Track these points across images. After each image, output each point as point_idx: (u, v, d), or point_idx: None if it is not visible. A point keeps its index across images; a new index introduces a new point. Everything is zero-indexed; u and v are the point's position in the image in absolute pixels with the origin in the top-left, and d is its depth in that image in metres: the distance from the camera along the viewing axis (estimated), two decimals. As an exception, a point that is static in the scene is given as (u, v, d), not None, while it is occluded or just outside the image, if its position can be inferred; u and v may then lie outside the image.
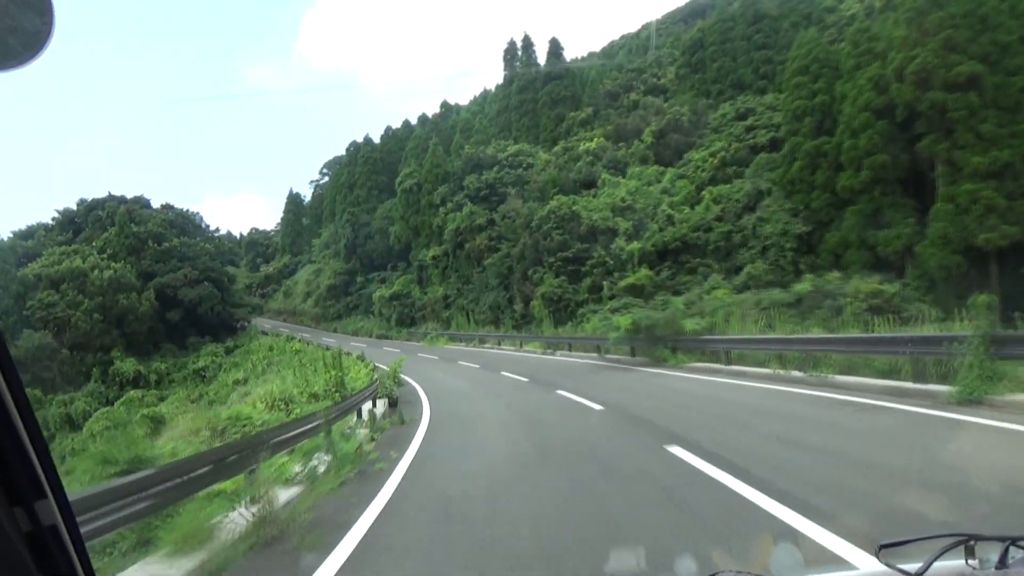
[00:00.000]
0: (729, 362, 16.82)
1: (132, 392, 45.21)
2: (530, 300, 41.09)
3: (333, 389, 17.95)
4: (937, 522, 4.32)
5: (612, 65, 68.01)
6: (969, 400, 8.79)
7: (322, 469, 7.99)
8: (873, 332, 14.78)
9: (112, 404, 43.87)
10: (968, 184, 25.44)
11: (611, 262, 37.20)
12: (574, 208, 40.26)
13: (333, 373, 18.67)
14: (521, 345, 37.34)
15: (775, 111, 39.55)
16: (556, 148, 52.61)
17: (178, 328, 60.29)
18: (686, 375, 17.28)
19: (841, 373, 12.63)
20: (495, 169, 52.89)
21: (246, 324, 67.99)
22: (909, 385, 10.37)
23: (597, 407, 12.46)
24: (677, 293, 29.01)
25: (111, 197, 65.58)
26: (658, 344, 20.76)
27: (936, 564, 1.48)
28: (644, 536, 4.68)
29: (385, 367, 24.34)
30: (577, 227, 39.44)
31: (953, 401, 8.99)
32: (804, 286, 22.64)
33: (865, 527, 4.36)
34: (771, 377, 14.18)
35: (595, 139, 50.68)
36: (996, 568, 1.48)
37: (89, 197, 66.95)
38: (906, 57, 27.52)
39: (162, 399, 47.47)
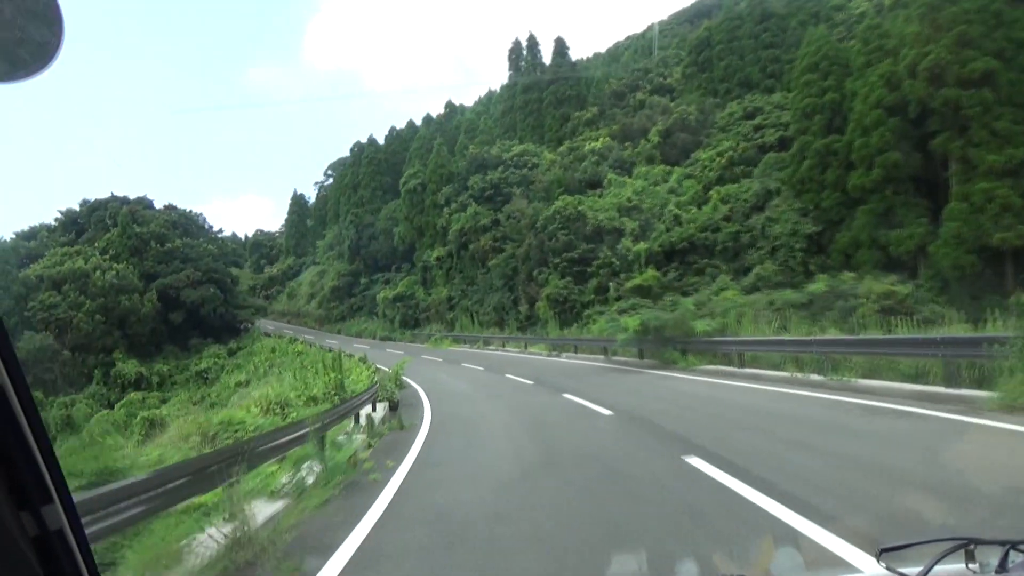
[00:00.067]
0: (742, 365, 16.20)
1: (133, 394, 44.76)
2: (535, 301, 40.58)
3: (332, 392, 17.46)
4: None
5: (617, 71, 67.39)
6: (1012, 406, 8.13)
7: (312, 480, 7.40)
8: (894, 333, 14.16)
9: (113, 406, 43.43)
10: (983, 182, 24.97)
11: (617, 263, 36.67)
12: (580, 208, 39.73)
13: (332, 376, 18.18)
14: (526, 347, 36.82)
15: (783, 110, 39.11)
16: (561, 148, 52.18)
17: (181, 330, 59.83)
18: (698, 378, 16.60)
19: (863, 376, 12.03)
20: (500, 169, 52.41)
21: (249, 326, 67.48)
22: (941, 390, 9.77)
23: (606, 412, 11.87)
24: (685, 294, 28.38)
25: (114, 198, 65.18)
26: (667, 346, 20.15)
27: (936, 568, 1.49)
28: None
29: (387, 369, 23.84)
30: (583, 227, 38.91)
31: (995, 407, 8.33)
32: (818, 286, 22.03)
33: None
34: (788, 380, 13.56)
35: (601, 139, 50.19)
36: (996, 572, 1.47)
37: (92, 198, 66.51)
38: (919, 53, 26.99)
39: (164, 401, 46.96)
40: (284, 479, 7.32)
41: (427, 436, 11.30)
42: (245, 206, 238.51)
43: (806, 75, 33.96)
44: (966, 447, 7.04)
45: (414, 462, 8.85)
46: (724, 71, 48.43)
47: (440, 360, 34.08)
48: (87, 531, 3.87)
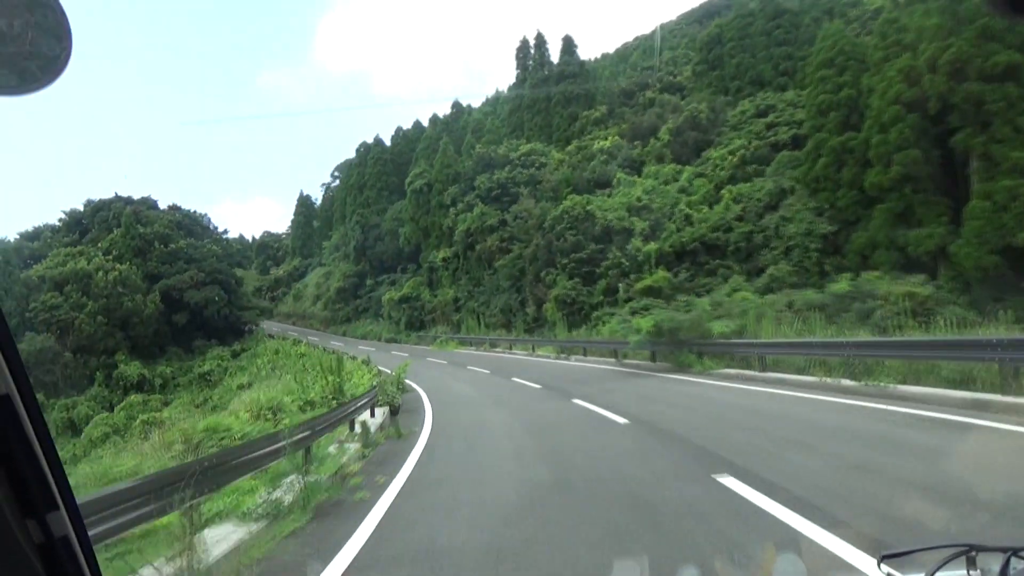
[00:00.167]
0: (764, 369, 15.24)
1: (133, 397, 44.13)
2: (543, 303, 39.82)
3: (330, 396, 16.64)
4: None
5: (626, 71, 66.60)
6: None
7: (290, 499, 6.47)
8: (934, 335, 13.21)
9: (115, 409, 42.84)
10: (1006, 180, 24.05)
11: (627, 263, 35.83)
12: (588, 208, 38.91)
13: (331, 379, 17.36)
14: (533, 349, 36.00)
15: (797, 107, 38.22)
16: (569, 147, 51.37)
17: (184, 331, 59.25)
18: (717, 383, 15.57)
19: (902, 382, 11.04)
20: (507, 169, 51.65)
21: (254, 327, 66.88)
22: (995, 397, 8.76)
23: (621, 420, 10.89)
24: (696, 296, 27.57)
25: (117, 198, 64.65)
26: (682, 348, 19.15)
27: (938, 575, 1.50)
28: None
29: (390, 372, 23.07)
30: (591, 227, 38.08)
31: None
32: (841, 286, 21.14)
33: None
34: (817, 386, 12.54)
35: (610, 137, 49.35)
36: None
37: (97, 199, 65.99)
38: (939, 47, 26.06)
39: (166, 404, 46.46)
40: (261, 497, 6.42)
41: (425, 447, 10.37)
42: (255, 208, 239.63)
43: (821, 71, 33.08)
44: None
45: (408, 479, 7.90)
46: (735, 69, 47.50)
47: (445, 362, 33.29)
48: None
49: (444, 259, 55.15)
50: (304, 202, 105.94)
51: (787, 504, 5.21)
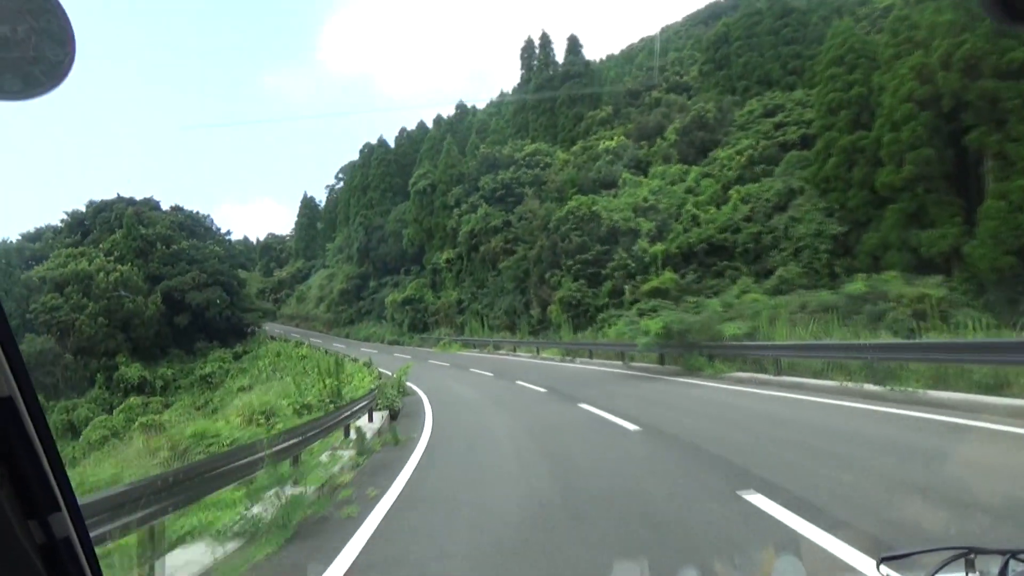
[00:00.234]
0: (780, 372, 14.59)
1: (132, 399, 43.65)
2: (547, 305, 39.25)
3: (328, 400, 16.09)
4: None
5: (632, 71, 66.06)
6: None
7: (272, 515, 5.85)
8: (967, 337, 12.55)
9: (114, 411, 42.39)
10: (1022, 179, 23.41)
11: (633, 265, 35.25)
12: (594, 208, 38.32)
13: (329, 381, 16.80)
14: (538, 352, 35.42)
15: (805, 107, 37.64)
16: (575, 148, 50.84)
17: (186, 333, 58.86)
18: (730, 387, 14.86)
19: (930, 387, 10.37)
20: (511, 169, 51.17)
21: (256, 329, 66.48)
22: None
23: (632, 427, 10.21)
24: (704, 298, 27.04)
25: (119, 199, 64.32)
26: (692, 351, 18.46)
27: None
28: None
29: (391, 374, 22.51)
30: (597, 228, 37.50)
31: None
32: (857, 286, 20.51)
33: None
34: (838, 391, 11.83)
35: (615, 138, 48.79)
36: None
37: (99, 199, 65.64)
38: (952, 43, 25.46)
39: (167, 406, 46.04)
40: (241, 513, 5.83)
41: (423, 456, 9.72)
42: (259, 211, 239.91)
43: (831, 69, 32.52)
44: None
45: (401, 492, 7.25)
46: (743, 68, 46.95)
47: (447, 365, 32.72)
48: None
49: (448, 260, 54.66)
50: (308, 204, 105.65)
51: (830, 530, 4.55)
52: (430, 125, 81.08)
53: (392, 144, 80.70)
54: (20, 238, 65.22)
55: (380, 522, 6.03)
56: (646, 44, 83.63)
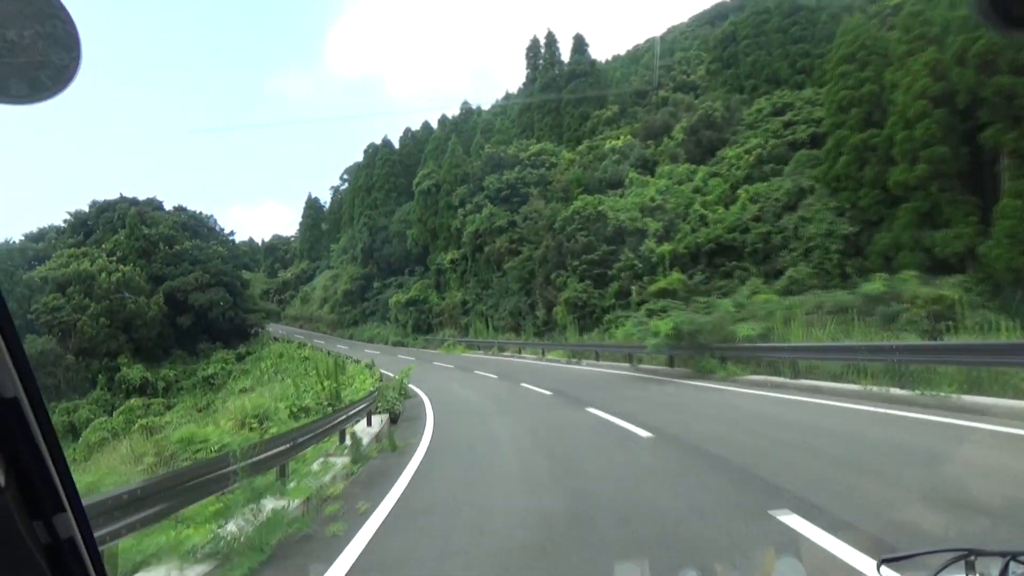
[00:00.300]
0: (797, 375, 13.96)
1: (132, 400, 43.20)
2: (553, 306, 38.70)
3: (326, 403, 15.56)
4: None
5: (638, 71, 65.52)
6: None
7: (251, 532, 5.25)
8: (1002, 338, 11.91)
9: (114, 413, 41.96)
10: (1040, 178, 22.92)
11: (640, 265, 34.68)
12: (600, 208, 37.76)
13: (327, 384, 16.28)
14: (543, 353, 34.85)
15: (815, 106, 37.09)
16: (580, 147, 50.34)
17: (188, 334, 58.44)
18: (745, 391, 14.19)
19: (963, 391, 9.69)
20: (516, 169, 50.64)
21: (259, 330, 66.09)
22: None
23: (643, 434, 9.57)
24: (716, 298, 26.51)
25: (122, 199, 63.96)
26: (703, 352, 17.81)
27: None
28: None
29: (393, 375, 21.99)
30: (603, 228, 36.94)
31: None
32: (875, 286, 19.90)
33: None
34: (862, 396, 11.15)
35: (622, 137, 48.27)
36: None
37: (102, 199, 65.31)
38: (968, 39, 24.86)
39: (169, 407, 45.61)
40: (214, 531, 5.26)
41: (421, 464, 9.12)
42: (266, 212, 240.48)
43: (842, 66, 32.00)
44: None
45: (394, 507, 6.63)
46: (751, 67, 46.43)
47: (452, 367, 32.17)
48: None
49: (452, 261, 54.19)
50: (312, 204, 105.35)
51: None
52: (435, 126, 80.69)
53: (397, 144, 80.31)
54: (23, 238, 64.82)
55: (368, 542, 5.42)
56: (652, 45, 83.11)
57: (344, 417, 10.93)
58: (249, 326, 64.30)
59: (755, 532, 4.79)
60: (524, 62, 63.19)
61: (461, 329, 50.82)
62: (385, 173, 75.31)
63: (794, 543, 4.44)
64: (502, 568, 4.68)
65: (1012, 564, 1.43)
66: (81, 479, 8.53)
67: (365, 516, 6.26)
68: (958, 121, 26.19)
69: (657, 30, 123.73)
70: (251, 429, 12.58)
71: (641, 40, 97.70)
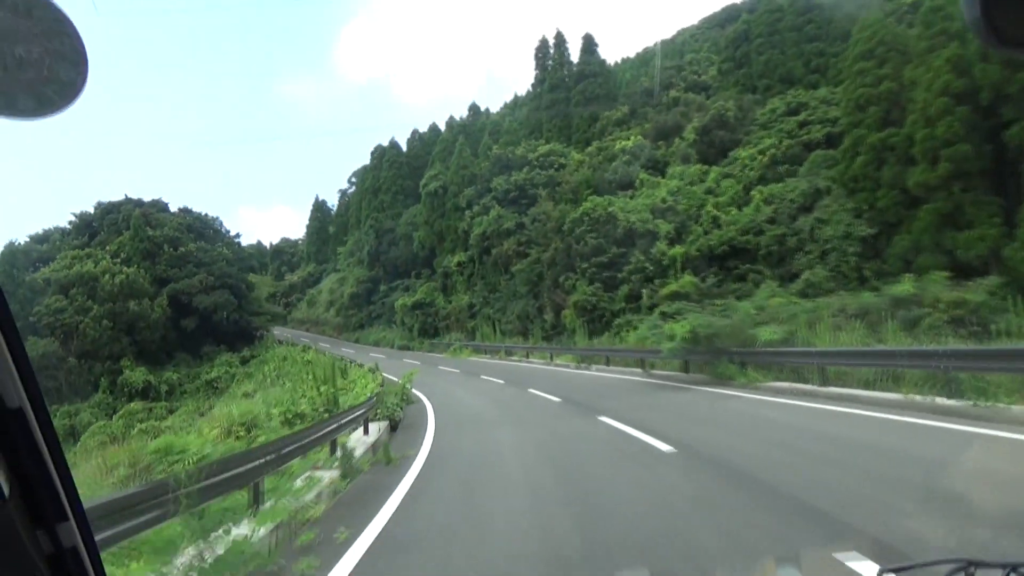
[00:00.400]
0: (825, 382, 13.00)
1: (132, 404, 42.53)
2: (561, 309, 37.83)
3: (323, 408, 14.72)
4: None
5: (649, 72, 64.81)
6: None
7: (204, 567, 4.39)
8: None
9: (114, 417, 41.30)
10: (1067, 177, 22.05)
11: (651, 268, 33.77)
12: (610, 210, 36.86)
13: (324, 389, 15.46)
14: (552, 358, 33.98)
15: (830, 105, 36.19)
16: (590, 148, 49.49)
17: (193, 336, 57.80)
18: (769, 399, 13.12)
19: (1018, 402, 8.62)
20: (525, 170, 49.83)
21: (264, 333, 65.43)
22: None
23: (664, 447, 8.57)
24: (734, 299, 25.66)
25: (127, 200, 63.44)
26: (721, 358, 16.85)
27: None
28: None
29: (397, 380, 21.19)
30: (613, 230, 36.04)
31: None
32: (904, 287, 18.95)
33: None
34: (904, 405, 10.10)
35: (632, 137, 47.39)
36: None
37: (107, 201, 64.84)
38: (993, 34, 24.04)
39: (172, 411, 44.94)
40: (164, 568, 4.39)
41: (415, 481, 8.17)
42: (276, 216, 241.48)
43: (859, 63, 31.02)
44: None
45: (378, 536, 5.66)
46: (764, 66, 45.51)
47: (457, 371, 31.36)
48: None
49: (459, 264, 53.37)
50: (319, 207, 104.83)
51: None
52: (443, 128, 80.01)
53: (404, 147, 79.68)
54: (28, 240, 64.35)
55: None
56: (663, 47, 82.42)
57: (335, 426, 9.99)
58: (254, 329, 63.64)
59: (821, 582, 3.79)
60: (533, 63, 62.52)
61: (468, 333, 50.00)
62: (392, 175, 74.67)
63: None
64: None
65: (1012, 575, 1.40)
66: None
67: (344, 548, 5.33)
68: (981, 118, 25.25)
69: (667, 33, 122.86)
70: (237, 438, 11.71)
71: (651, 43, 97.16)
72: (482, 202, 50.72)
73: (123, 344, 51.52)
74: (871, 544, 4.27)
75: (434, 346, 51.85)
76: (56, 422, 42.74)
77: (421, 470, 8.89)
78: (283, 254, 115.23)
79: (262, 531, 5.40)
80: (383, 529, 5.94)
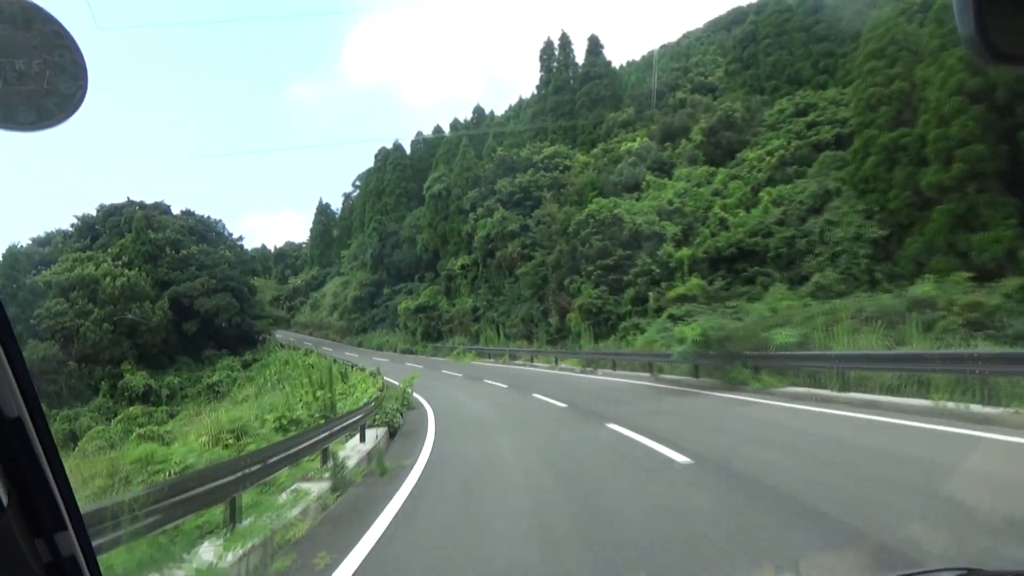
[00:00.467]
0: (846, 388, 12.39)
1: (131, 409, 42.04)
2: (566, 312, 37.28)
3: (319, 414, 14.17)
4: None
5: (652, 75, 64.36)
6: None
7: None
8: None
9: (112, 421, 40.81)
10: (1084, 177, 21.52)
11: (657, 271, 33.17)
12: (615, 212, 36.28)
13: (320, 393, 14.93)
14: (556, 362, 33.37)
15: (839, 106, 35.68)
16: (595, 150, 49.01)
17: (194, 340, 57.37)
18: (788, 405, 12.41)
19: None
20: (529, 172, 49.31)
21: (266, 337, 64.98)
22: None
23: (679, 458, 7.90)
24: (745, 301, 25.11)
25: (129, 203, 63.12)
26: (733, 361, 16.23)
27: None
28: None
29: (398, 384, 20.67)
30: (619, 232, 35.46)
31: None
32: (925, 288, 18.42)
33: None
34: (936, 413, 9.43)
35: (638, 139, 46.85)
36: None
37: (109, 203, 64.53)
38: (1010, 30, 23.48)
39: (172, 416, 44.43)
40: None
41: (410, 495, 7.54)
42: (283, 221, 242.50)
43: (870, 62, 30.50)
44: None
45: (364, 562, 5.01)
46: (771, 67, 45.02)
47: (460, 376, 30.80)
48: None
49: (463, 267, 52.85)
50: (323, 211, 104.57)
51: None
52: (447, 131, 79.59)
53: (408, 149, 79.28)
54: (31, 242, 64.06)
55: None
56: (668, 50, 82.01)
57: (327, 434, 9.36)
58: (256, 332, 63.20)
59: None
60: (537, 66, 62.12)
61: (471, 336, 49.43)
62: (396, 178, 74.27)
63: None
64: None
65: None
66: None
67: (324, 576, 4.69)
68: (997, 118, 24.67)
69: (671, 36, 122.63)
70: (225, 446, 11.13)
71: (656, 46, 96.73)
72: (486, 204, 50.23)
73: (124, 347, 51.10)
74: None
75: (437, 350, 51.33)
76: (55, 427, 42.39)
77: (417, 483, 8.26)
78: (287, 257, 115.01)
79: (230, 557, 4.80)
80: (371, 552, 5.30)
